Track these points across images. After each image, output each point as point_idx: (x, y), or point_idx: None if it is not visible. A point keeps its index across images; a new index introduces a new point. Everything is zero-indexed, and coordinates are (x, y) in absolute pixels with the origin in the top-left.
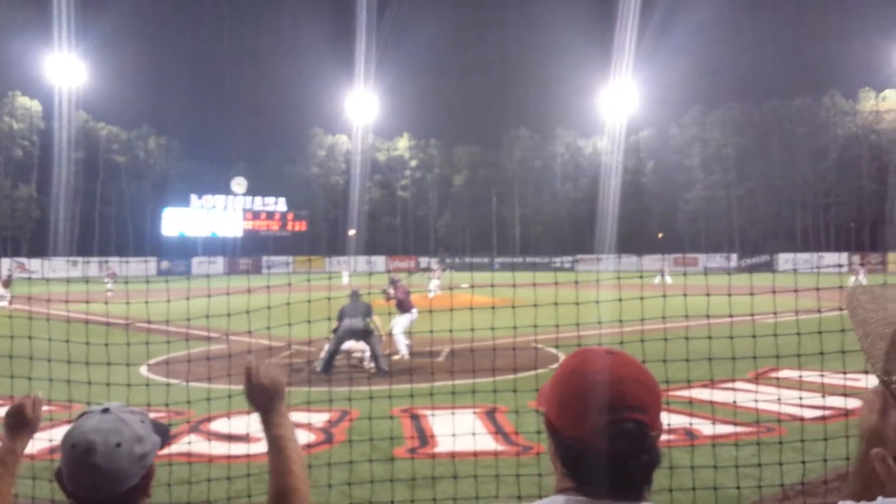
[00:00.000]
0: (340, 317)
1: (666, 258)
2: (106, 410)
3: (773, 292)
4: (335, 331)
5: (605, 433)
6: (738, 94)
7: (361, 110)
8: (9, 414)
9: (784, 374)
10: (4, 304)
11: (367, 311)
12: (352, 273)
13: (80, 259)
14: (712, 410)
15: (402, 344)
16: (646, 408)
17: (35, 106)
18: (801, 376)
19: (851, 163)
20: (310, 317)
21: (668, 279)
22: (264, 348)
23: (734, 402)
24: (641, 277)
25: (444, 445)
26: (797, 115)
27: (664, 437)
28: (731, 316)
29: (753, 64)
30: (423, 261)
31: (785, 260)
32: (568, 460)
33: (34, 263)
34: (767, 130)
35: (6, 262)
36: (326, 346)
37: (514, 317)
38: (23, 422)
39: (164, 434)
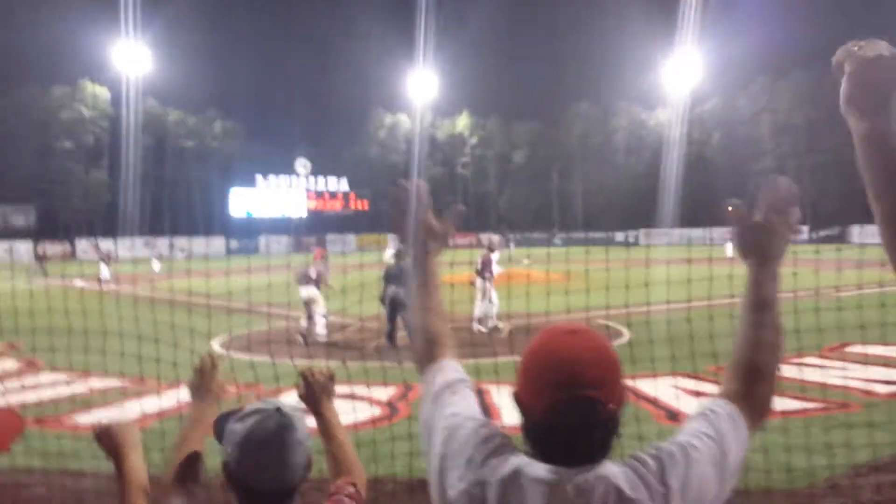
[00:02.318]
0: (387, 279)
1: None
2: (279, 409)
3: (839, 268)
4: (382, 298)
5: (559, 409)
6: (808, 62)
7: (421, 89)
8: (192, 380)
9: (854, 349)
10: (109, 283)
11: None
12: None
13: (151, 238)
14: (780, 387)
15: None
16: (601, 384)
17: (104, 93)
18: (866, 352)
19: None
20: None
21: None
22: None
23: (801, 377)
24: (711, 254)
25: (507, 419)
26: None
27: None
28: (804, 290)
29: (823, 31)
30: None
31: (858, 232)
32: (528, 432)
33: (106, 244)
34: (837, 99)
35: (101, 242)
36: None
37: (585, 294)
38: (204, 385)
39: None
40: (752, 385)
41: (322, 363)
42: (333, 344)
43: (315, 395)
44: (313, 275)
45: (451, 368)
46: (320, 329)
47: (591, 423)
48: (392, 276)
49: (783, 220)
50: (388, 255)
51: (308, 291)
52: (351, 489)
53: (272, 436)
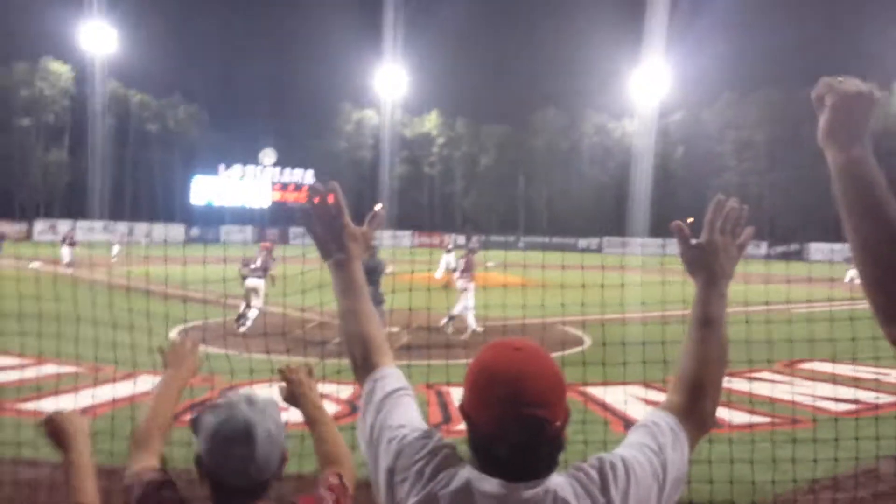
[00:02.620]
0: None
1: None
2: (249, 401)
3: (788, 282)
4: None
5: (505, 426)
6: (773, 79)
7: (390, 86)
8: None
9: (807, 365)
10: (70, 266)
11: (377, 274)
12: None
13: (111, 222)
14: (728, 398)
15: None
16: (546, 403)
17: (66, 71)
18: (813, 369)
19: (887, 155)
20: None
21: None
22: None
23: (750, 391)
24: (661, 264)
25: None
26: None
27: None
28: (756, 305)
29: (788, 49)
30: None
31: (816, 249)
32: (475, 445)
33: (65, 226)
34: (801, 118)
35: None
36: None
37: (541, 296)
38: (179, 360)
39: None
40: (695, 399)
41: (296, 360)
42: (306, 340)
43: (296, 393)
44: (258, 264)
45: (392, 377)
46: (249, 321)
47: (538, 440)
48: (369, 272)
49: (730, 240)
50: None
51: (252, 282)
52: (334, 480)
53: (241, 430)
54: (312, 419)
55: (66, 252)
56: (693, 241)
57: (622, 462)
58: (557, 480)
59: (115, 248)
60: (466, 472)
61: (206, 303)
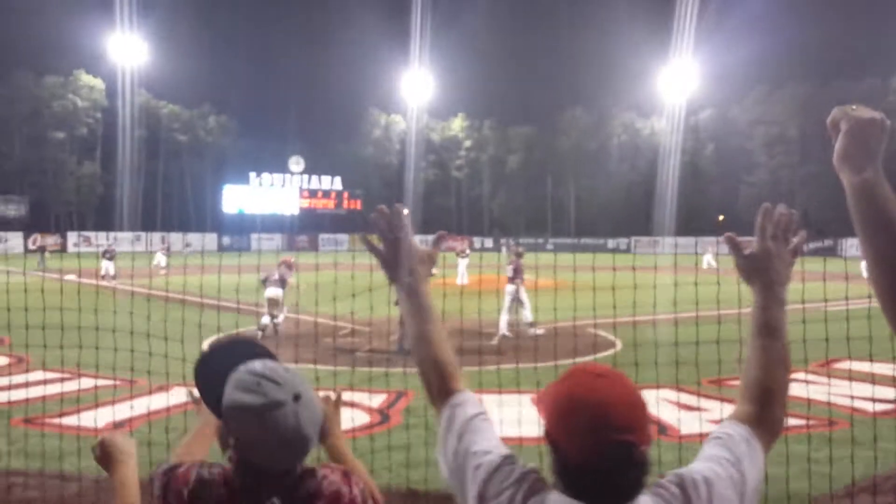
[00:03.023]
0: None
1: (711, 241)
2: (296, 394)
3: (824, 279)
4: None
5: (594, 453)
6: (803, 74)
7: (416, 90)
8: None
9: (844, 365)
10: (112, 279)
11: None
12: None
13: (143, 234)
14: None
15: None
16: (633, 428)
17: (98, 84)
18: (850, 368)
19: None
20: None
21: (713, 262)
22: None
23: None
24: (696, 264)
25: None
26: (864, 98)
27: None
28: (793, 303)
29: (818, 43)
30: (478, 240)
31: (850, 245)
32: (560, 471)
33: (99, 237)
34: (831, 112)
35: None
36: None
37: (572, 299)
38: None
39: None
40: (765, 407)
41: (324, 369)
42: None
43: (323, 425)
44: (276, 276)
45: (470, 402)
46: (264, 322)
47: (627, 465)
48: None
49: (783, 246)
50: None
51: (272, 292)
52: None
53: (291, 435)
54: (336, 453)
55: (106, 265)
56: (746, 251)
57: (702, 477)
58: (642, 500)
59: (163, 259)
60: (554, 498)
61: (239, 312)
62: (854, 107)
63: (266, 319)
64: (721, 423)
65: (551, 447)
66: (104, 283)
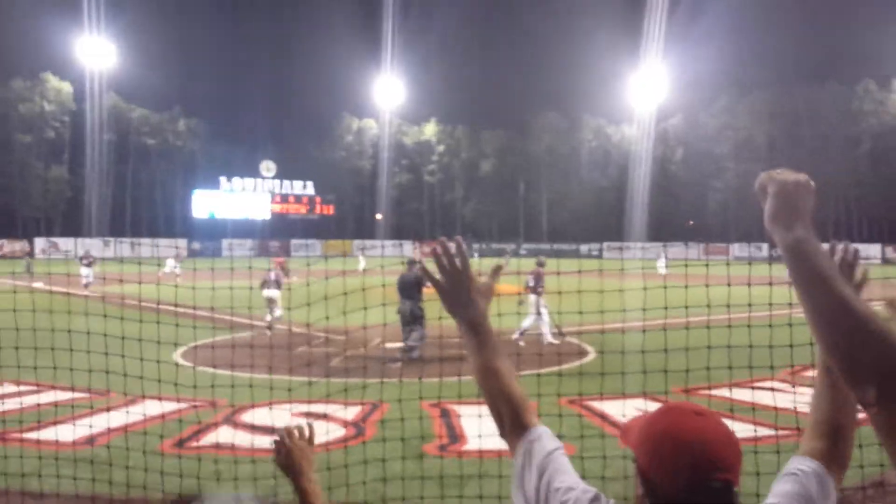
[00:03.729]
0: (401, 290)
1: (659, 246)
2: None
3: (790, 284)
4: (399, 310)
5: (694, 492)
6: (770, 80)
7: (389, 95)
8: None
9: (810, 373)
10: (89, 285)
11: (417, 288)
12: (367, 257)
13: (112, 239)
14: (732, 409)
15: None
16: (730, 467)
17: (66, 87)
18: (815, 377)
19: (885, 153)
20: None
21: (663, 269)
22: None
23: (753, 401)
24: (663, 268)
25: (472, 444)
26: (829, 104)
27: None
28: (760, 309)
29: (785, 50)
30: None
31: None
32: None
33: (67, 243)
34: (799, 118)
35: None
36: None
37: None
38: (290, 463)
39: None
40: (836, 443)
41: (298, 380)
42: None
43: (295, 462)
44: (273, 278)
45: (546, 436)
46: (269, 319)
47: (723, 503)
48: (406, 287)
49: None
50: (363, 264)
51: (269, 293)
52: None
53: None
54: (305, 495)
55: (85, 272)
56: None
57: None
58: None
59: (170, 263)
60: None
61: (215, 321)
62: (779, 171)
63: (269, 317)
64: (791, 459)
65: (645, 485)
66: (86, 291)
